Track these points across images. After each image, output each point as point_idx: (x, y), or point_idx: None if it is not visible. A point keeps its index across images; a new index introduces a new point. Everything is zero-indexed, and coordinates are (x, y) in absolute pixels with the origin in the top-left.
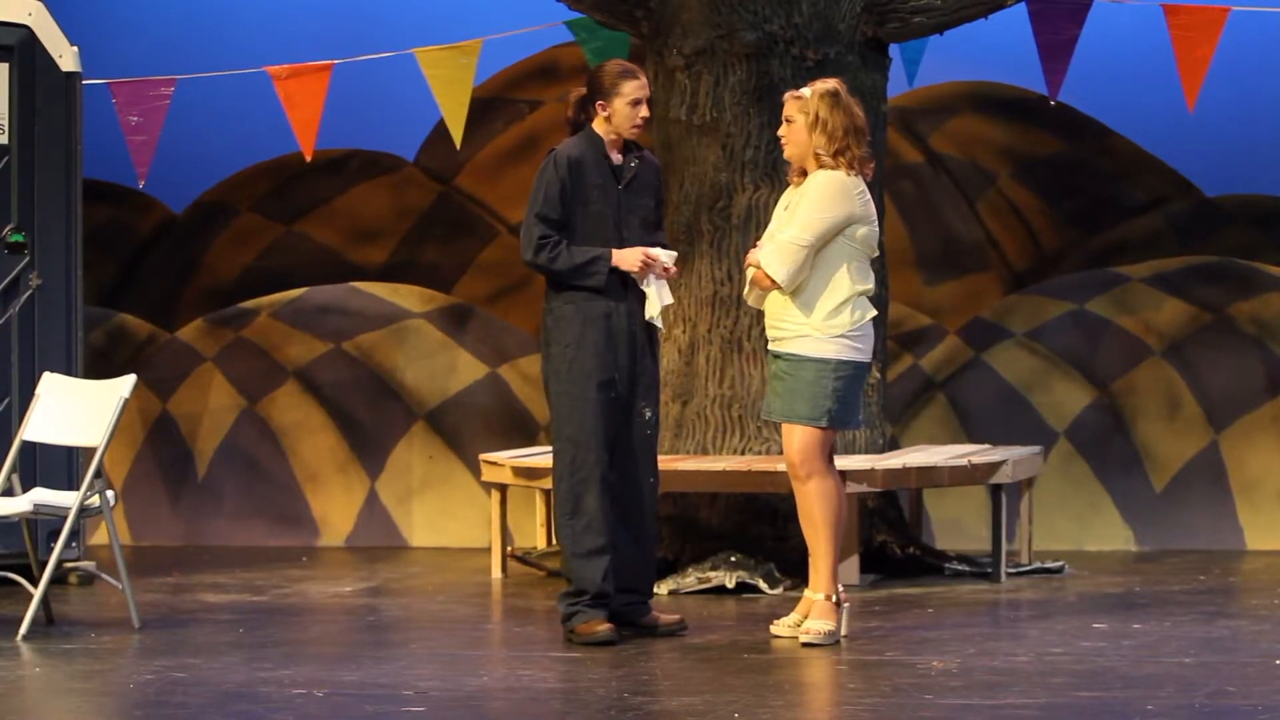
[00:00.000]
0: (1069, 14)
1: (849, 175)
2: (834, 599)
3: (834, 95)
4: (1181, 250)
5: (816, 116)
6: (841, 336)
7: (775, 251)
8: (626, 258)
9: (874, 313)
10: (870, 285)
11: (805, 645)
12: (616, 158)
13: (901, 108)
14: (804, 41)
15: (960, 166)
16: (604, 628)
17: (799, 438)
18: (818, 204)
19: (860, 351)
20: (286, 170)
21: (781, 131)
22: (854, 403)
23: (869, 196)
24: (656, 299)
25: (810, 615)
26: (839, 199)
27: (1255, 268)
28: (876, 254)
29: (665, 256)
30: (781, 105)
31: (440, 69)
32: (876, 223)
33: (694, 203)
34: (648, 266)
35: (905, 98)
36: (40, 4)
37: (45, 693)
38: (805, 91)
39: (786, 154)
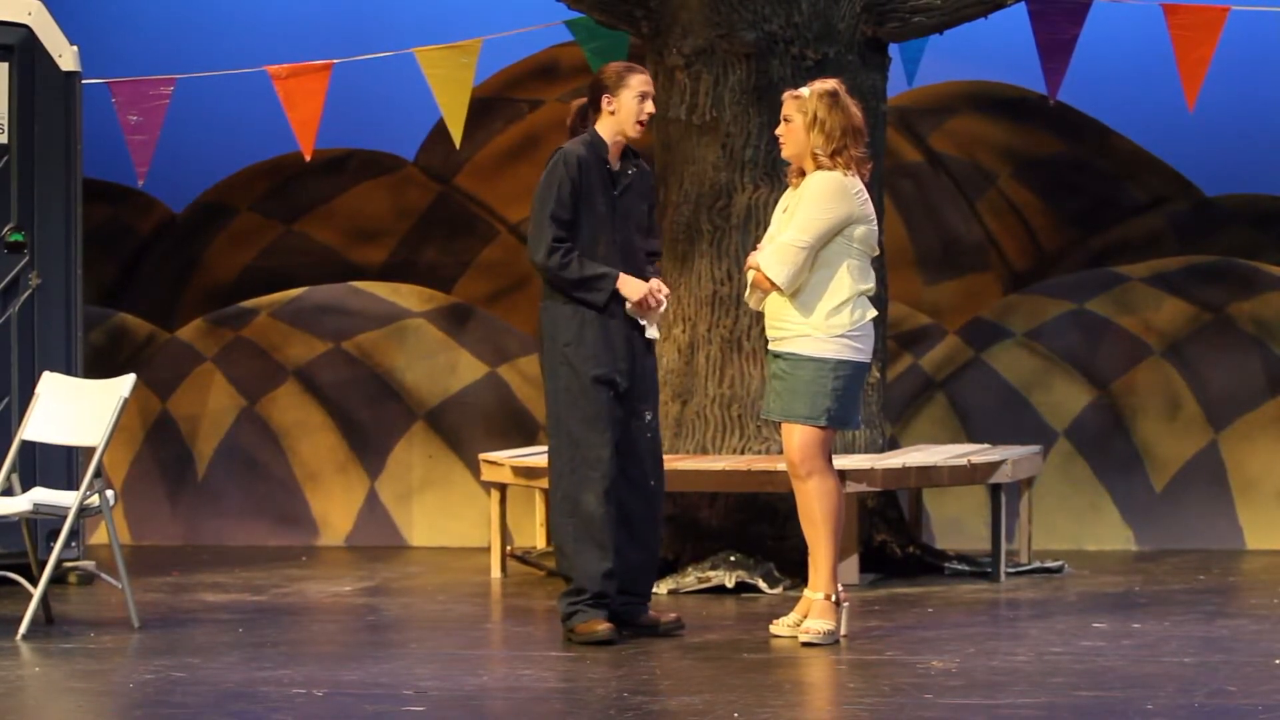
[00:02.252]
0: (1069, 14)
1: (846, 175)
2: (833, 598)
3: (832, 95)
4: (1181, 250)
5: (814, 116)
6: (841, 336)
7: (774, 253)
8: (631, 287)
9: (874, 313)
10: (871, 285)
11: (805, 645)
12: (615, 164)
13: (901, 107)
14: (804, 41)
15: (960, 166)
16: (604, 627)
17: (798, 437)
18: (815, 205)
19: (860, 351)
20: (286, 170)
21: (779, 130)
22: (853, 402)
23: (867, 196)
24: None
25: (810, 615)
26: (837, 199)
27: (1255, 268)
28: (877, 253)
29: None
30: (781, 105)
31: (440, 69)
32: (875, 222)
33: (694, 202)
34: (646, 304)
35: (905, 97)
36: (40, 4)
37: (45, 692)
38: (804, 91)
39: (784, 154)
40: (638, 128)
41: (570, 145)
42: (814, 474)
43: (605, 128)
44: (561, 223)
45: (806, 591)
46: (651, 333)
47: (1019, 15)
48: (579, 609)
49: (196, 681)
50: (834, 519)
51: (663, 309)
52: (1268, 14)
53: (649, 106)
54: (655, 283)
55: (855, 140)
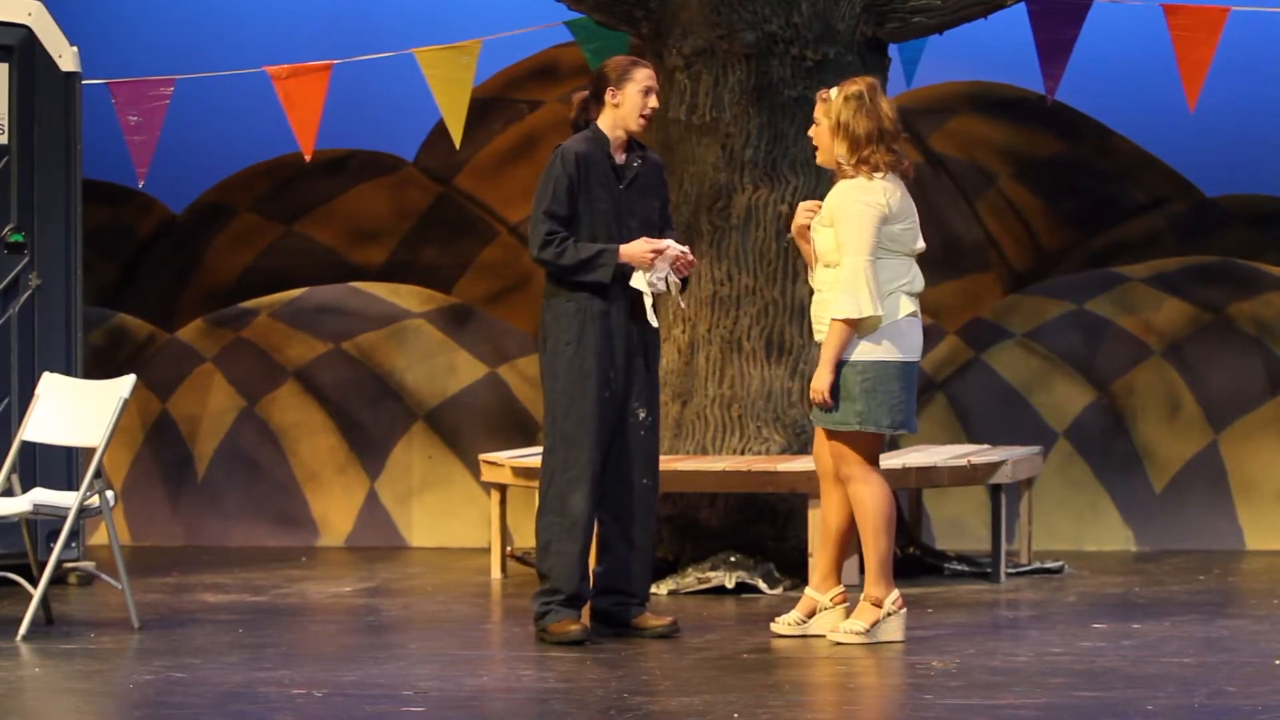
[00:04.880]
0: (1068, 14)
1: (869, 179)
2: (879, 602)
3: (859, 98)
4: (1181, 250)
5: (838, 121)
6: (866, 337)
7: (847, 288)
8: (634, 251)
9: (910, 309)
10: (905, 281)
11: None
12: (620, 157)
13: (901, 108)
14: (803, 41)
15: (960, 166)
16: (576, 627)
17: (834, 442)
18: (848, 222)
19: (890, 350)
20: (286, 170)
21: (811, 132)
22: (893, 403)
23: (896, 192)
24: (648, 295)
25: (852, 614)
26: (862, 203)
27: (1255, 268)
28: (918, 250)
29: (676, 247)
30: (781, 105)
31: (440, 69)
32: (911, 219)
33: (693, 203)
34: (656, 256)
35: (905, 98)
36: (40, 4)
37: (45, 693)
38: (831, 93)
39: (817, 158)
40: (640, 122)
41: (569, 143)
42: (851, 480)
43: (607, 121)
44: (557, 218)
45: (808, 591)
46: (649, 311)
47: (1019, 15)
48: (552, 608)
49: (196, 682)
50: (875, 523)
51: (676, 250)
52: (1268, 14)
53: (653, 101)
54: (650, 241)
55: (882, 143)
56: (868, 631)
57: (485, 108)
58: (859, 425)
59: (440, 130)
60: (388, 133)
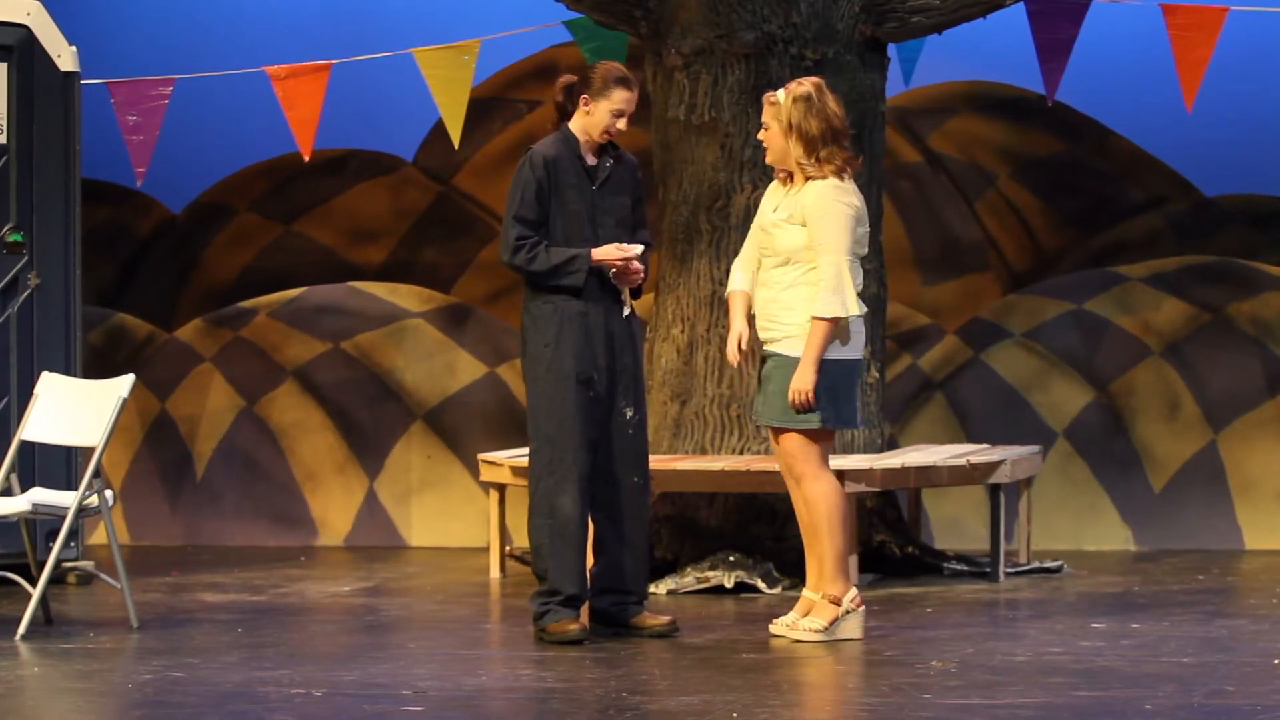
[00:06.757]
0: (1067, 14)
1: (841, 180)
2: (838, 601)
3: (807, 100)
4: (1181, 250)
5: (789, 123)
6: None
7: (832, 288)
8: (604, 255)
9: (862, 309)
10: (858, 282)
11: (795, 642)
12: (591, 159)
13: (900, 107)
14: (802, 41)
15: (959, 166)
16: (575, 626)
17: (790, 441)
18: (829, 220)
19: (845, 349)
20: (285, 170)
21: (760, 135)
22: (844, 401)
23: (859, 195)
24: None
25: (811, 613)
26: (841, 204)
27: (1255, 268)
28: (864, 252)
29: (634, 251)
30: None
31: (439, 69)
32: (867, 222)
33: (693, 203)
34: (623, 260)
35: (904, 97)
36: (39, 4)
37: (44, 693)
38: (779, 95)
39: (768, 159)
40: (603, 137)
41: (539, 146)
42: (805, 478)
43: (578, 125)
44: (527, 222)
45: (805, 591)
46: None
47: (1018, 15)
48: (550, 608)
49: (195, 682)
50: (831, 521)
51: (634, 254)
52: (1267, 14)
53: (621, 124)
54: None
55: (836, 142)
56: (826, 629)
57: (484, 108)
58: (820, 423)
59: (439, 130)
60: (387, 133)
